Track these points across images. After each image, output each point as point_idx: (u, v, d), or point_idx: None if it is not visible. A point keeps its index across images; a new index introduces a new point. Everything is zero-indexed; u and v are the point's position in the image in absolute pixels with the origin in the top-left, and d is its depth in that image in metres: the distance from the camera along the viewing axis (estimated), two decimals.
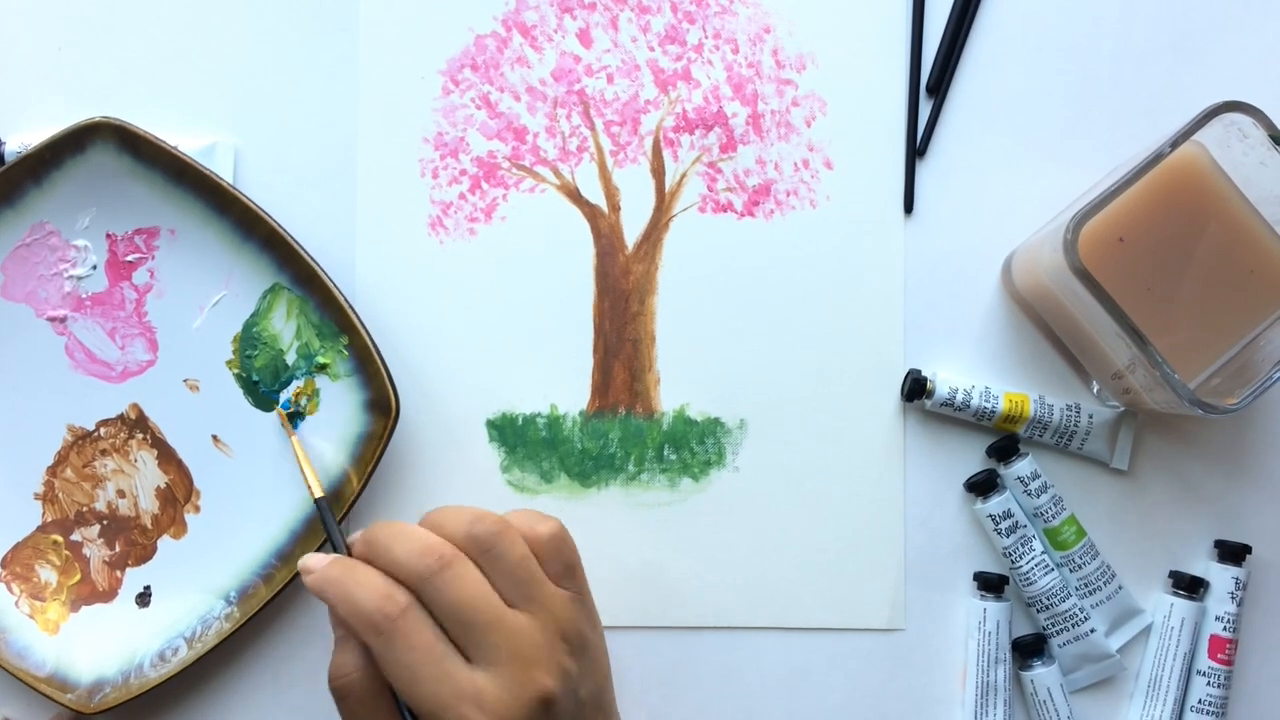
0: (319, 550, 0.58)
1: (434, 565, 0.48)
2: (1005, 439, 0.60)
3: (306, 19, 0.62)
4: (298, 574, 0.58)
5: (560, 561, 0.51)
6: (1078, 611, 0.59)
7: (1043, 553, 0.59)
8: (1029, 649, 0.59)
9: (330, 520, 0.54)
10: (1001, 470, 0.60)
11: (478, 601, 0.48)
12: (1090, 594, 0.60)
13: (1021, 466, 0.60)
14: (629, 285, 0.61)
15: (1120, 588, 0.60)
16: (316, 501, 0.55)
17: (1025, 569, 0.59)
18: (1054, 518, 0.59)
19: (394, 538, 0.49)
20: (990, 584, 0.59)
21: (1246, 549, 0.60)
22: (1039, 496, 0.59)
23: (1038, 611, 0.60)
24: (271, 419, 0.60)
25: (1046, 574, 0.59)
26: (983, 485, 0.60)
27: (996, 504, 0.59)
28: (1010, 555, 0.59)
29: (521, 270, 0.61)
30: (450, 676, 0.47)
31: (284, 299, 0.59)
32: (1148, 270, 0.55)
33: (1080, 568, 0.60)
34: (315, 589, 0.49)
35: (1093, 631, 0.60)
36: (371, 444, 0.58)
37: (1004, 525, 0.59)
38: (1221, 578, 0.60)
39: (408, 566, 0.48)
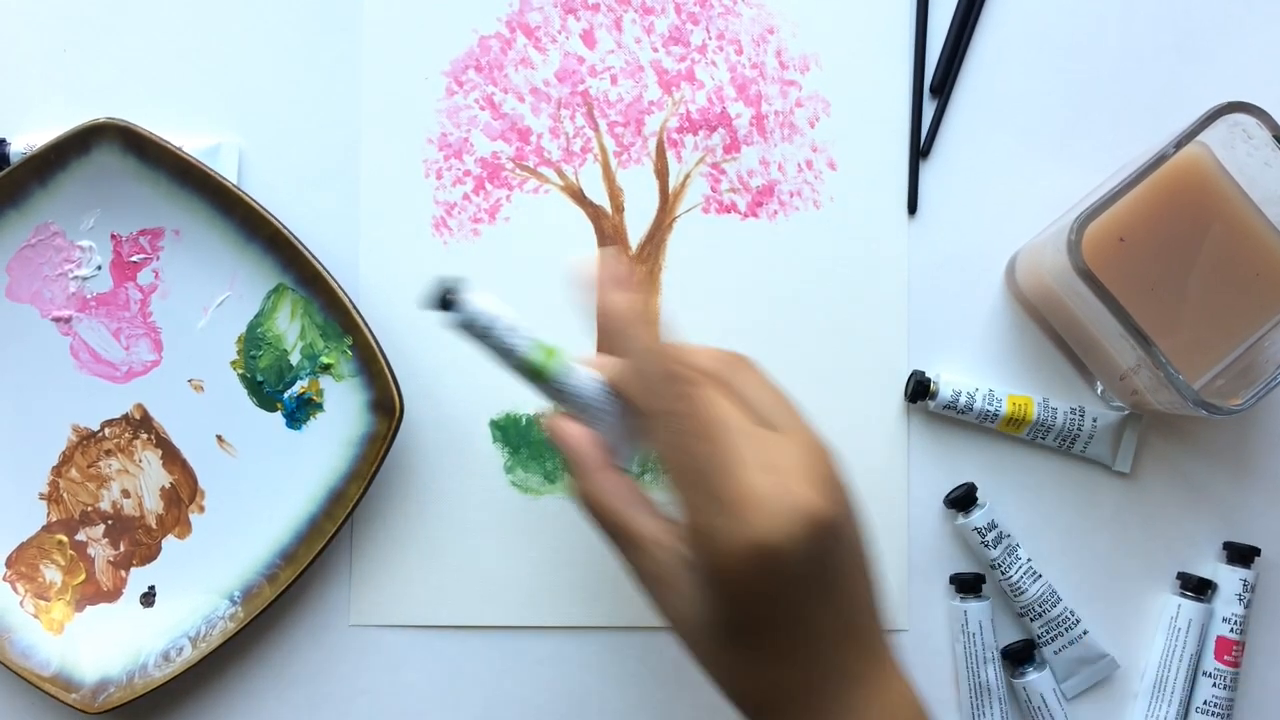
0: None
1: (726, 363, 0.48)
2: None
3: (310, 20, 0.62)
4: (301, 574, 0.58)
5: (786, 396, 0.49)
6: (1069, 615, 0.59)
7: (1029, 560, 0.59)
8: (1019, 655, 0.59)
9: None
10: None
11: (769, 391, 0.47)
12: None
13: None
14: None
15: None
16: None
17: (1015, 579, 0.59)
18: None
19: (641, 357, 0.47)
20: (967, 585, 0.59)
21: (1255, 551, 0.60)
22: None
23: (1031, 620, 0.59)
24: (276, 419, 0.60)
25: (1035, 581, 0.59)
26: (963, 500, 0.59)
27: (979, 517, 0.59)
28: (998, 566, 0.59)
29: (525, 271, 0.61)
30: (757, 434, 0.45)
31: (288, 299, 0.60)
32: (1152, 271, 0.55)
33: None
34: (609, 368, 0.48)
35: (1085, 634, 0.59)
36: (375, 444, 0.58)
37: (990, 537, 0.59)
38: (1229, 580, 0.60)
39: (702, 360, 0.48)
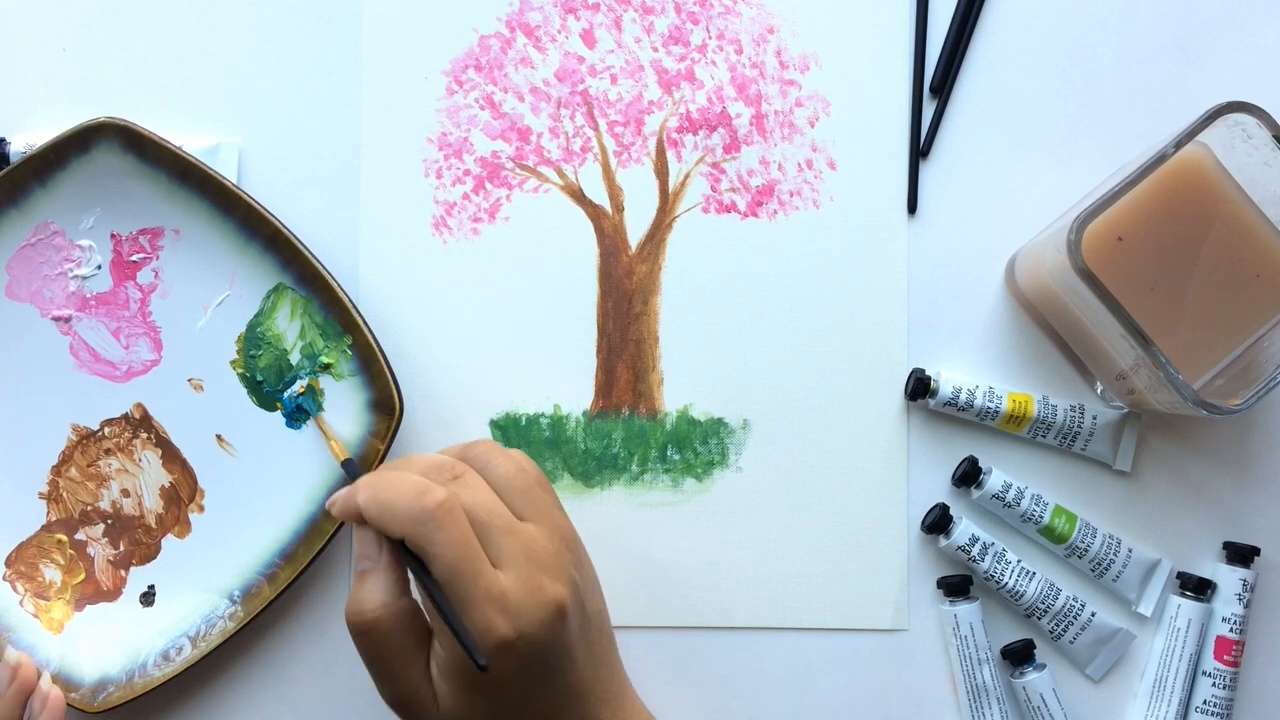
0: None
1: (448, 475, 0.50)
2: (964, 465, 0.60)
3: (310, 20, 0.62)
4: (301, 573, 0.58)
5: (538, 477, 0.52)
6: (1074, 602, 0.59)
7: (1019, 562, 0.59)
8: (1018, 655, 0.59)
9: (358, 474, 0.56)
10: (974, 495, 0.60)
11: (494, 505, 0.49)
12: (1106, 571, 0.60)
13: (992, 483, 0.59)
14: (632, 285, 0.61)
15: (1131, 551, 0.60)
16: (345, 464, 0.56)
17: (1011, 584, 0.59)
18: (1042, 516, 0.59)
19: (399, 465, 0.51)
20: (954, 587, 0.59)
21: (1255, 551, 0.60)
22: (1020, 503, 0.59)
23: (1038, 619, 0.60)
24: (275, 418, 0.60)
25: (1031, 580, 0.59)
26: (940, 523, 0.59)
27: (960, 534, 0.59)
28: (992, 577, 0.59)
29: (525, 270, 0.61)
30: (481, 575, 0.47)
31: (288, 299, 0.60)
32: (1151, 271, 0.55)
33: (1085, 552, 0.59)
34: (345, 503, 0.50)
35: (1094, 616, 0.60)
36: (375, 444, 0.58)
37: (975, 551, 0.59)
38: (1229, 579, 0.60)
39: (435, 470, 0.50)
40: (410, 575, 0.50)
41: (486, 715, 0.49)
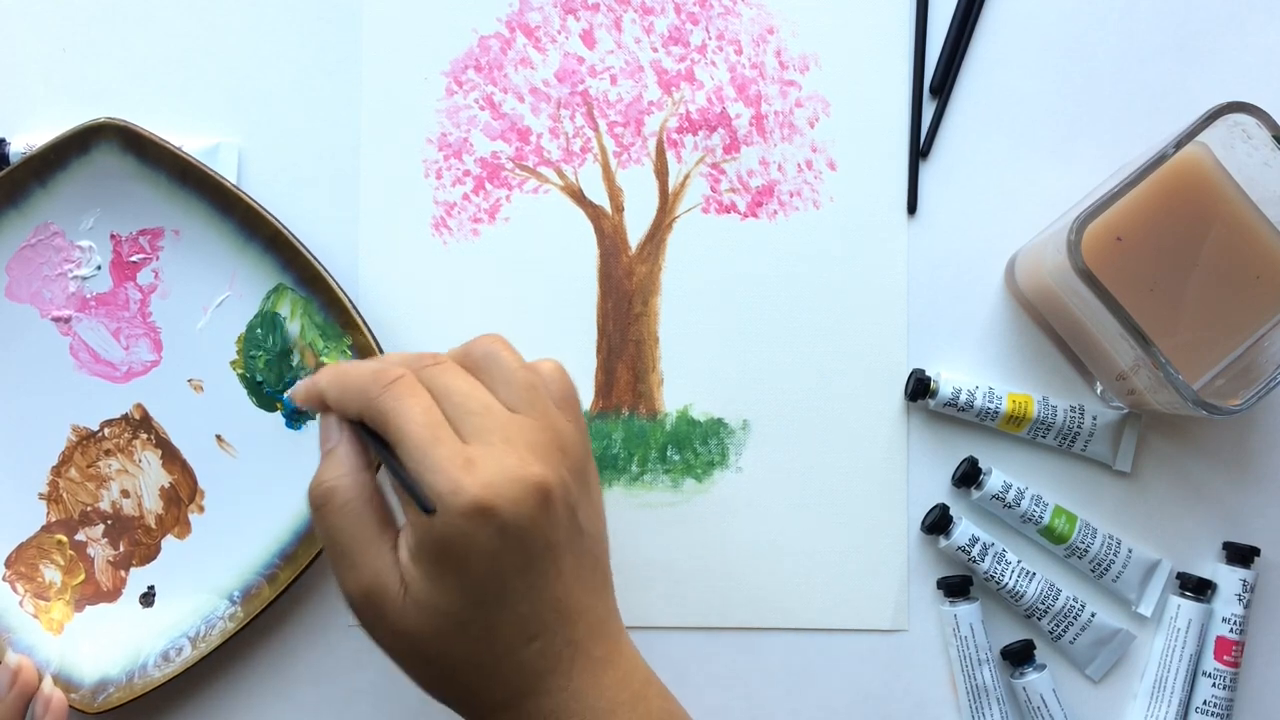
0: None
1: (427, 361, 0.47)
2: (964, 465, 0.60)
3: (310, 20, 0.62)
4: (301, 574, 0.58)
5: (561, 389, 0.49)
6: (1074, 603, 0.59)
7: (1019, 562, 0.59)
8: (1018, 656, 0.59)
9: None
10: (974, 495, 0.60)
11: (468, 388, 0.46)
12: (1106, 571, 0.60)
13: (992, 484, 0.59)
14: (632, 286, 0.61)
15: (1131, 551, 0.60)
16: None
17: (1010, 584, 0.59)
18: (1042, 516, 0.59)
19: (392, 355, 0.49)
20: (955, 588, 0.59)
21: (1255, 551, 0.60)
22: (1020, 504, 0.59)
23: (1038, 619, 0.60)
24: (275, 418, 0.60)
25: (1031, 581, 0.59)
26: (940, 523, 0.59)
27: (960, 534, 0.59)
28: (993, 578, 0.59)
29: (525, 271, 0.61)
30: (442, 439, 0.44)
31: (288, 299, 0.60)
32: (1151, 271, 0.55)
33: (1086, 552, 0.59)
34: (308, 386, 0.48)
35: (1094, 616, 0.60)
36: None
37: (975, 552, 0.59)
38: (1229, 580, 0.60)
39: (401, 362, 0.47)
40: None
41: (457, 605, 0.44)
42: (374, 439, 0.46)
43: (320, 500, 0.46)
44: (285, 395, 0.60)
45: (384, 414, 0.45)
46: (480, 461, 0.44)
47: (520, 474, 0.44)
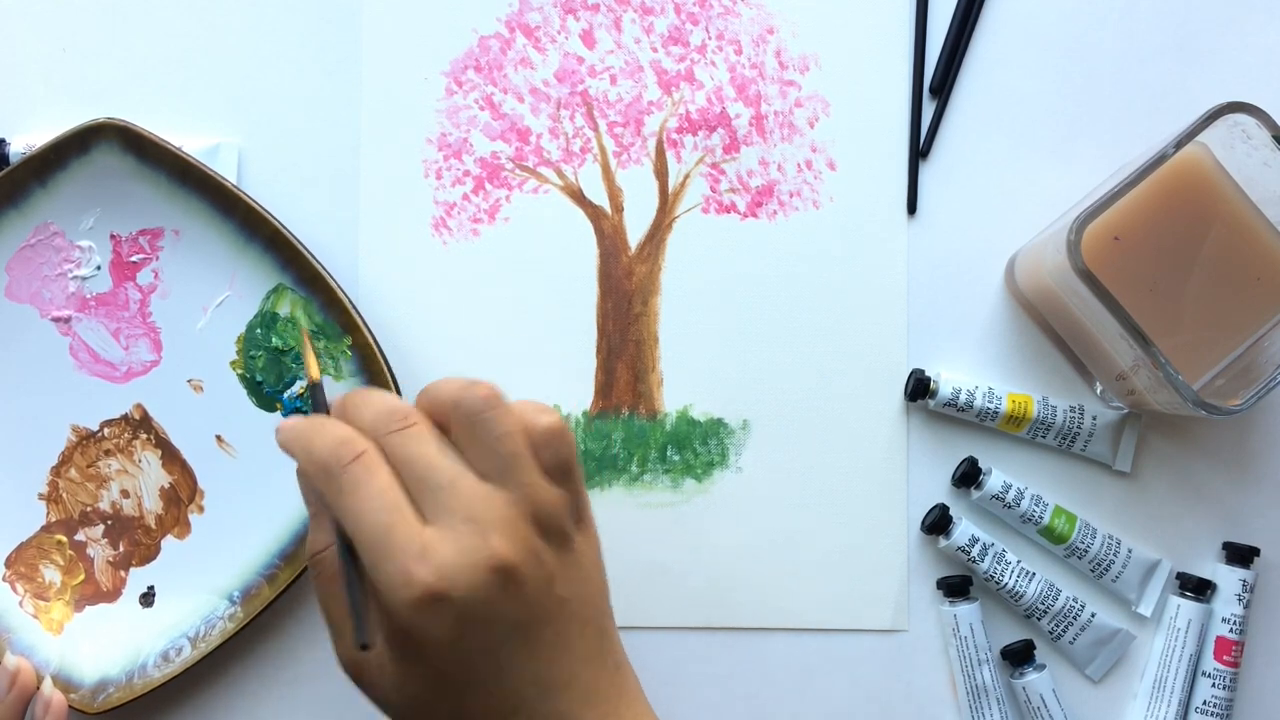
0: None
1: (396, 424, 0.44)
2: (964, 465, 0.60)
3: (310, 20, 0.62)
4: (301, 574, 0.58)
5: (554, 455, 0.46)
6: (1074, 603, 0.59)
7: (1019, 562, 0.59)
8: (1018, 656, 0.59)
9: (324, 408, 0.49)
10: (974, 495, 0.60)
11: (435, 459, 0.44)
12: (1106, 571, 0.60)
13: (992, 484, 0.59)
14: (632, 286, 0.61)
15: (1131, 551, 0.60)
16: (312, 387, 0.50)
17: (1010, 584, 0.59)
18: (1042, 516, 0.59)
19: (367, 399, 0.46)
20: (955, 588, 0.59)
21: (1255, 551, 0.60)
22: (1020, 504, 0.59)
23: (1037, 619, 0.60)
24: (275, 419, 0.60)
25: (1031, 581, 0.59)
26: (939, 523, 0.59)
27: (960, 535, 0.59)
28: (993, 578, 0.59)
29: (525, 271, 0.61)
30: (397, 525, 0.42)
31: (288, 299, 0.60)
32: (1151, 271, 0.55)
33: (1085, 552, 0.59)
34: (281, 444, 0.46)
35: (1094, 616, 0.60)
36: None
37: (975, 552, 0.59)
38: (1229, 580, 0.60)
39: (370, 423, 0.45)
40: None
41: (424, 692, 0.44)
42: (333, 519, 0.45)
43: (311, 570, 0.46)
44: (285, 396, 0.60)
45: (339, 494, 0.43)
46: (435, 547, 0.42)
47: (477, 557, 0.42)
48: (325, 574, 0.46)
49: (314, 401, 0.50)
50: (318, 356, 0.56)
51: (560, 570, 0.45)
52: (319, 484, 0.44)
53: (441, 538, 0.42)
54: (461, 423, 0.45)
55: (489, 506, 0.43)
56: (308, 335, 0.55)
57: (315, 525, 0.47)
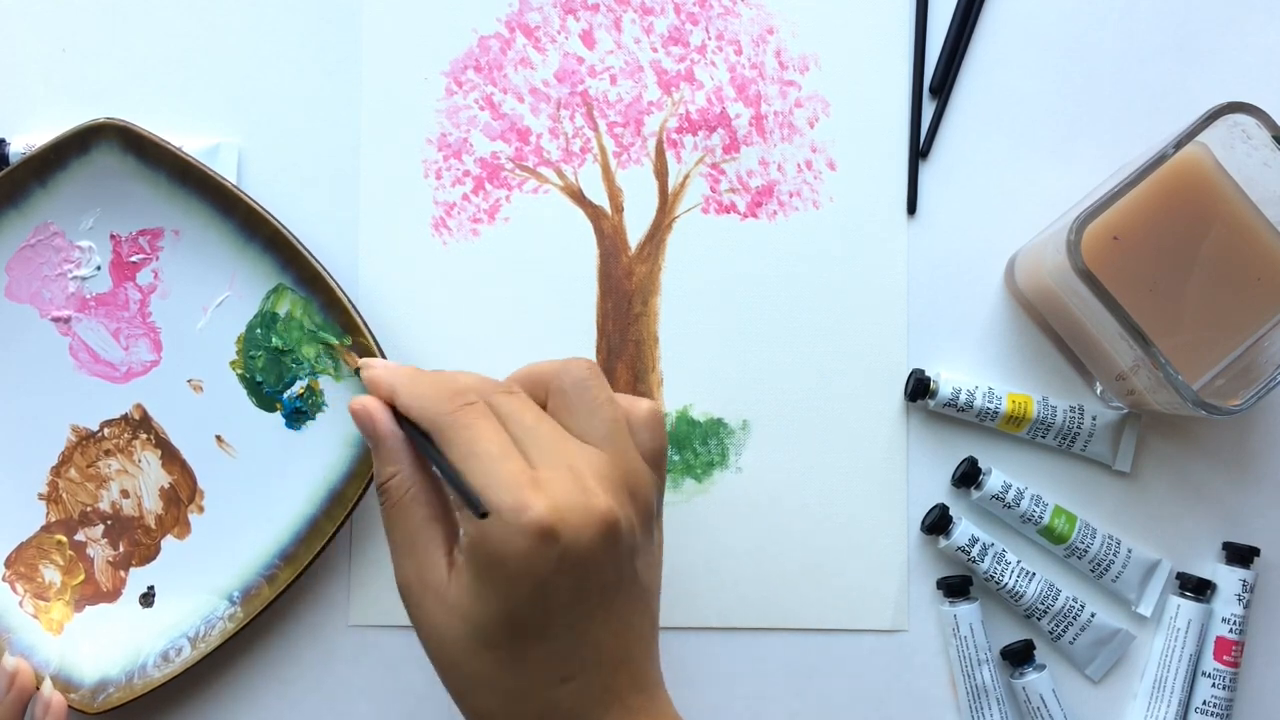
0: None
1: (502, 388, 0.46)
2: (964, 465, 0.60)
3: (310, 20, 0.62)
4: (301, 574, 0.58)
5: (651, 439, 0.46)
6: (1074, 603, 0.59)
7: (1019, 562, 0.59)
8: (1018, 656, 0.59)
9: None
10: (974, 495, 0.60)
11: (539, 420, 0.44)
12: (1105, 571, 0.60)
13: (992, 484, 0.59)
14: (632, 286, 0.61)
15: (1131, 551, 0.60)
16: (358, 372, 0.51)
17: (1010, 584, 0.59)
18: (1042, 516, 0.59)
19: (463, 372, 0.47)
20: (955, 588, 0.59)
21: (1255, 551, 0.60)
22: (1019, 504, 0.59)
23: (1037, 619, 0.60)
24: (275, 419, 0.60)
25: (1031, 581, 0.59)
26: (939, 523, 0.59)
27: (960, 535, 0.59)
28: (992, 578, 0.59)
29: (524, 271, 0.61)
30: (510, 457, 0.43)
31: (288, 299, 0.60)
32: (1151, 271, 0.55)
33: (1085, 552, 0.59)
34: (377, 379, 0.47)
35: (1094, 616, 0.60)
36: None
37: (975, 552, 0.59)
38: (1229, 580, 0.60)
39: (471, 384, 0.45)
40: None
41: (493, 623, 0.43)
42: (430, 445, 0.45)
43: (380, 495, 0.46)
44: (285, 396, 0.60)
45: (453, 428, 0.44)
46: (548, 484, 0.42)
47: (589, 503, 0.42)
48: (394, 498, 0.46)
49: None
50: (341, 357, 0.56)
51: (643, 548, 0.45)
52: (426, 418, 0.44)
53: (552, 478, 0.42)
54: (562, 394, 0.46)
55: (593, 462, 0.43)
56: (345, 351, 0.56)
57: (382, 457, 0.46)
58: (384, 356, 0.58)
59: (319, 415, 0.60)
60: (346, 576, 0.60)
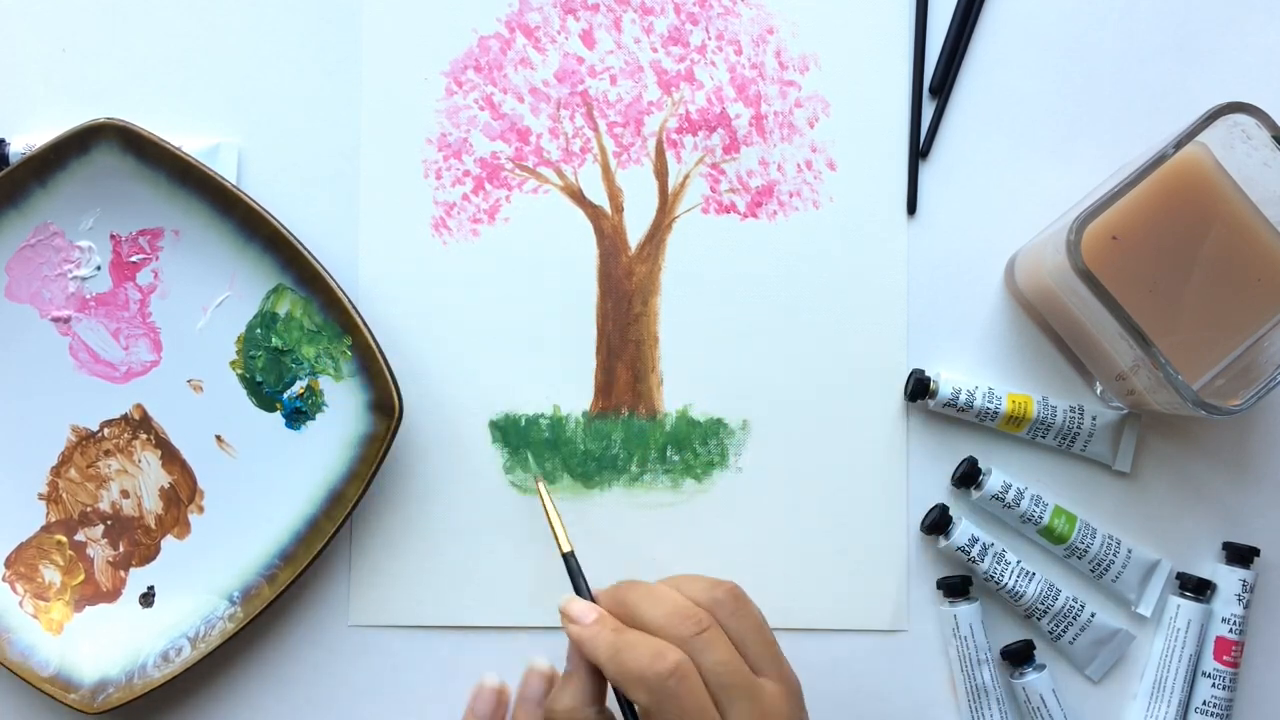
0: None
1: (692, 627, 0.49)
2: (964, 465, 0.60)
3: (310, 20, 0.62)
4: (301, 574, 0.58)
5: (768, 630, 0.51)
6: (1074, 603, 0.59)
7: (1019, 562, 0.59)
8: (1018, 656, 0.59)
9: (580, 576, 0.54)
10: (974, 495, 0.60)
11: (734, 664, 0.48)
12: (1105, 571, 0.60)
13: (992, 484, 0.59)
14: (632, 286, 0.61)
15: (1131, 551, 0.60)
16: (565, 557, 0.54)
17: (1010, 584, 0.59)
18: (1042, 516, 0.59)
19: (646, 599, 0.50)
20: (955, 588, 0.59)
21: (1255, 551, 0.60)
22: (1019, 504, 0.59)
23: (1037, 619, 0.60)
24: (275, 419, 0.60)
25: (1031, 581, 0.59)
26: (939, 524, 0.59)
27: (960, 535, 0.59)
28: (992, 578, 0.59)
29: (524, 271, 0.61)
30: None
31: (288, 299, 0.60)
32: (1151, 271, 0.55)
33: (1085, 552, 0.59)
34: (580, 641, 0.50)
35: (1094, 616, 0.60)
36: (374, 445, 0.58)
37: (974, 552, 0.59)
38: (1229, 580, 0.60)
39: (668, 629, 0.49)
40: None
41: None
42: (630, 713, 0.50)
43: (549, 717, 0.50)
44: (284, 396, 0.60)
45: (664, 712, 0.47)
46: None
47: None
48: None
49: (569, 570, 0.54)
50: (551, 514, 0.57)
51: None
52: (635, 694, 0.48)
53: None
54: (721, 618, 0.50)
55: (775, 704, 0.48)
56: (549, 500, 0.56)
57: (567, 687, 0.50)
58: (384, 356, 0.58)
59: (319, 415, 0.60)
60: (346, 576, 0.60)
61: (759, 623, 0.50)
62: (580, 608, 0.51)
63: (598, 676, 0.50)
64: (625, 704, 0.50)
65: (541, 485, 0.57)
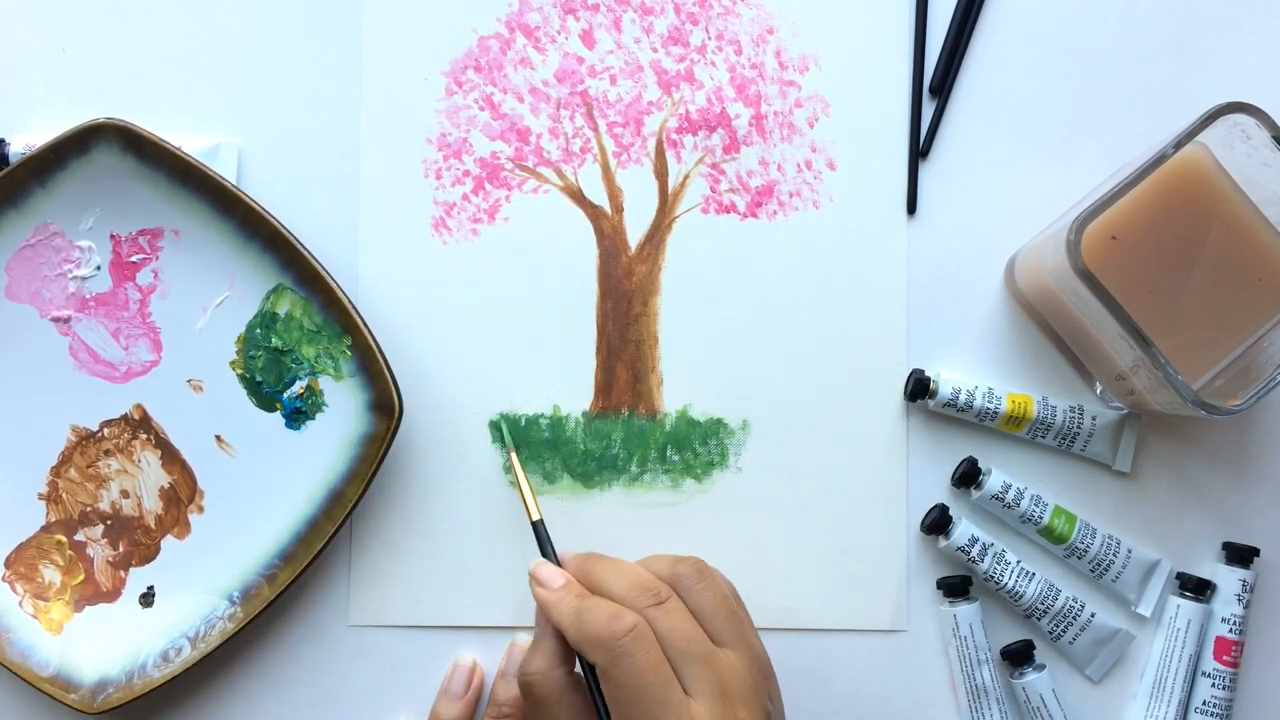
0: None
1: (651, 599, 0.50)
2: (964, 465, 0.60)
3: (310, 20, 0.62)
4: (300, 574, 0.58)
5: (744, 610, 0.52)
6: (1074, 603, 0.59)
7: (1019, 562, 0.59)
8: (1018, 656, 0.59)
9: (549, 543, 0.55)
10: (974, 495, 0.60)
11: (691, 632, 0.49)
12: (1105, 571, 0.60)
13: (992, 484, 0.59)
14: (632, 286, 0.61)
15: (1131, 551, 0.60)
16: (535, 525, 0.56)
17: (1010, 584, 0.59)
18: (1042, 516, 0.59)
19: (610, 571, 0.52)
20: (954, 588, 0.59)
21: (1255, 551, 0.60)
22: (1019, 504, 0.59)
23: (1037, 619, 0.60)
24: (275, 419, 0.60)
25: (1030, 581, 0.59)
26: (939, 524, 0.59)
27: (960, 535, 0.59)
28: (992, 578, 0.59)
29: (524, 271, 0.61)
30: (670, 702, 0.47)
31: (288, 299, 0.60)
32: (1151, 271, 0.55)
33: (1085, 552, 0.59)
34: (546, 605, 0.52)
35: (1094, 616, 0.60)
36: (374, 444, 0.58)
37: (974, 552, 0.59)
38: (1229, 580, 0.60)
39: (625, 594, 0.50)
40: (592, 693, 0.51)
41: None
42: (597, 694, 0.50)
43: (522, 689, 0.51)
44: (284, 396, 0.60)
45: (616, 669, 0.48)
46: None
47: None
48: (533, 694, 0.51)
49: (538, 537, 0.55)
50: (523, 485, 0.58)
51: (775, 717, 0.51)
52: (592, 655, 0.49)
53: (704, 713, 0.47)
54: (682, 591, 0.51)
55: (736, 673, 0.49)
56: (520, 470, 0.58)
57: (537, 649, 0.52)
58: (384, 356, 0.58)
59: (319, 415, 0.60)
60: (346, 576, 0.60)
61: (722, 595, 0.51)
62: (549, 572, 0.53)
63: (556, 638, 0.51)
64: (587, 668, 0.50)
65: (514, 455, 0.59)
